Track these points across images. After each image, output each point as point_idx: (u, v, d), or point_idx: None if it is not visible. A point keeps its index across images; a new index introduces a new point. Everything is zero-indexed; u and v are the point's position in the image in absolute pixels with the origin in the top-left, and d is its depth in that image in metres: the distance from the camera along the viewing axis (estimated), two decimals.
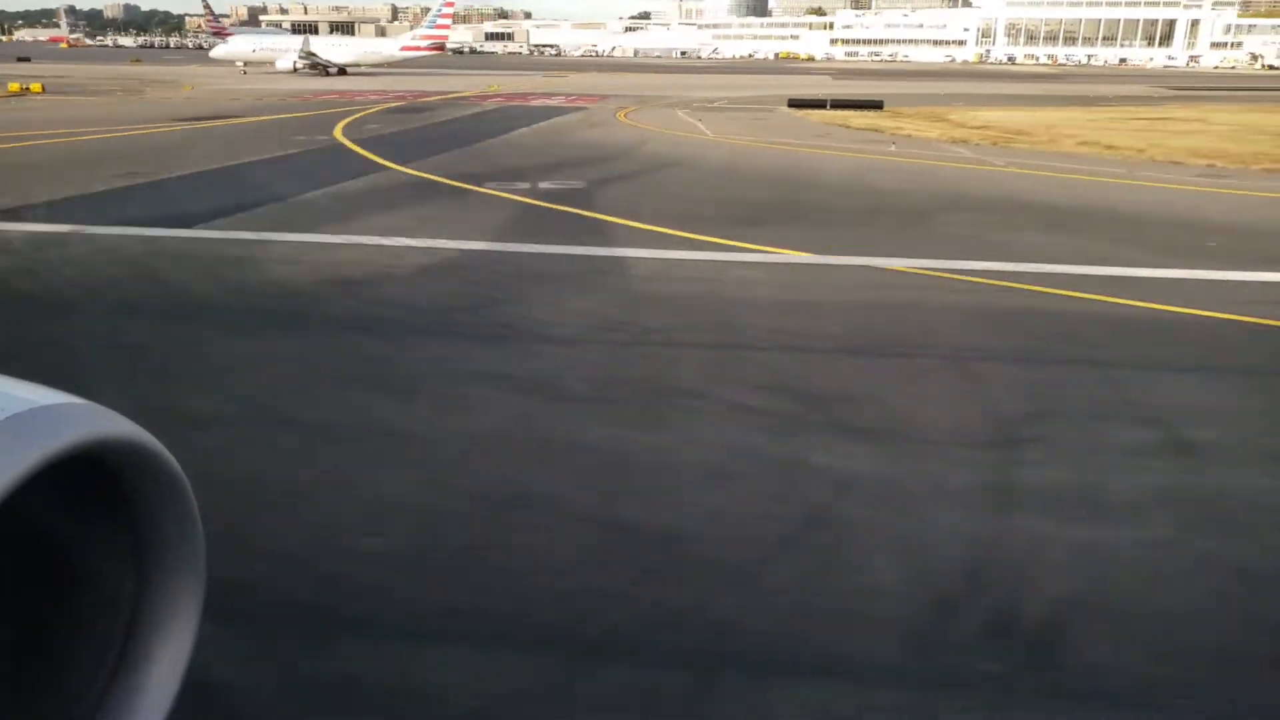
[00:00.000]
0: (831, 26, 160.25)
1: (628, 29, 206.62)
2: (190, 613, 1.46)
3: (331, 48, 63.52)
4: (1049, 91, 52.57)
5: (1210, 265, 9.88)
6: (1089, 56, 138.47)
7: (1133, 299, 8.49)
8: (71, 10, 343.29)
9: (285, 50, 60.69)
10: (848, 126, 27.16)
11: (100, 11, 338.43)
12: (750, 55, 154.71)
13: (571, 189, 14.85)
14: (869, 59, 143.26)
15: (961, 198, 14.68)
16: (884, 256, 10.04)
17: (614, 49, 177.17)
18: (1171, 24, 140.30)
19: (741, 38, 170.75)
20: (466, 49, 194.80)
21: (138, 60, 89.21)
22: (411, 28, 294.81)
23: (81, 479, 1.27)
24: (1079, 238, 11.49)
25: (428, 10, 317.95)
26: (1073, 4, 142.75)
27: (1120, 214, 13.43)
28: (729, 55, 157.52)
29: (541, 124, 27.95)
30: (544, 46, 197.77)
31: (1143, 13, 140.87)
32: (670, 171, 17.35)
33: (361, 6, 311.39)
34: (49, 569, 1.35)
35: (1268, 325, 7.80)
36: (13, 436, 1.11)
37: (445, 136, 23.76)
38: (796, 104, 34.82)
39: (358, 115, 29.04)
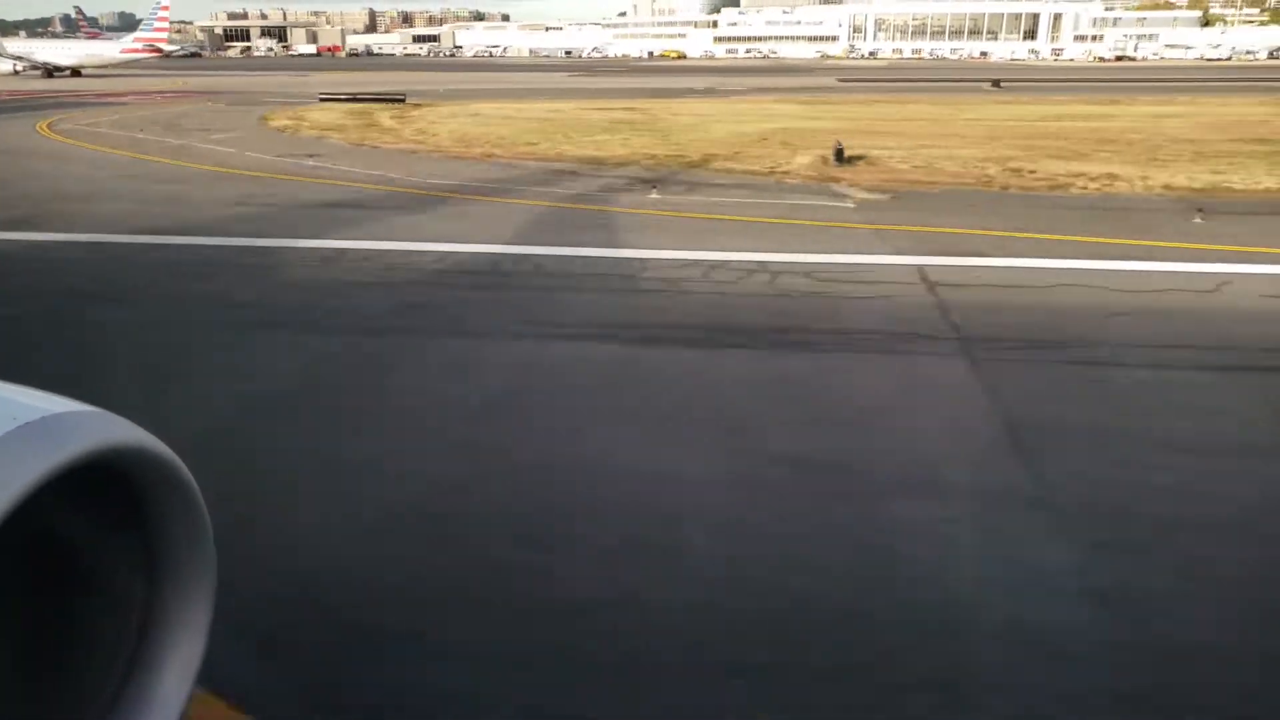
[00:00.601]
0: (716, 25, 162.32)
1: (549, 29, 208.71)
2: (201, 618, 1.47)
3: (55, 50, 65.99)
4: (763, 84, 54.18)
5: None
6: (953, 50, 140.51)
7: None
8: (67, 19, 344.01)
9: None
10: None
11: (96, 19, 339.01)
12: (643, 53, 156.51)
13: None
14: (744, 55, 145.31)
15: None
16: None
17: (505, 49, 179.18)
18: (1036, 18, 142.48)
19: (643, 36, 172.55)
20: (393, 50, 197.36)
21: None
22: (386, 32, 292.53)
23: (93, 486, 1.27)
24: None
25: (406, 15, 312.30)
26: None
27: None
28: (616, 54, 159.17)
29: None
30: (456, 48, 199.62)
31: (1007, 6, 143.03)
32: None
33: (339, 12, 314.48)
34: (60, 575, 1.36)
35: None
36: (25, 444, 1.11)
37: None
38: (327, 97, 36.67)
39: None
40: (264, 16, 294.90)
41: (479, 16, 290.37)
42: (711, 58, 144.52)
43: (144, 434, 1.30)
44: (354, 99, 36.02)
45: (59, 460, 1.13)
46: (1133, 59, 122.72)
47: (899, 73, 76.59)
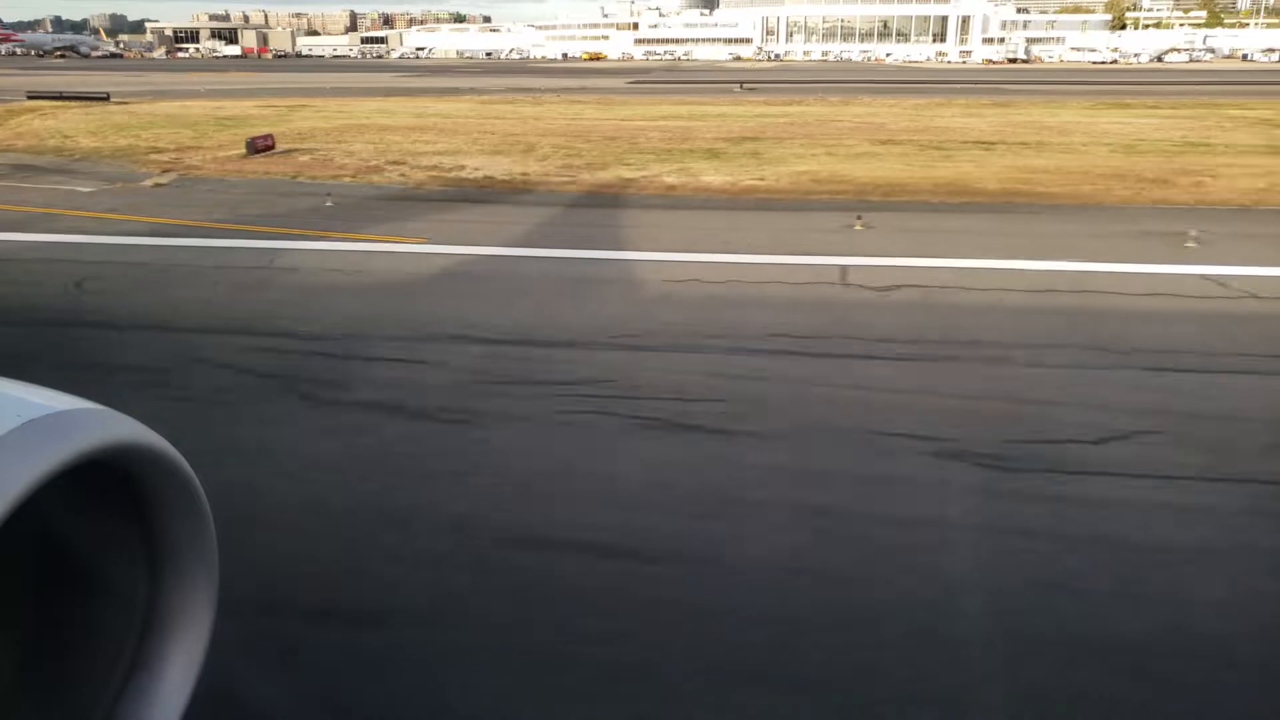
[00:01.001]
0: (636, 27, 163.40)
1: (495, 30, 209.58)
2: (204, 615, 1.47)
3: None
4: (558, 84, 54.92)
5: None
6: (862, 52, 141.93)
7: None
8: (58, 20, 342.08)
9: None
10: None
11: (86, 21, 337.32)
12: (558, 55, 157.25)
13: None
14: (663, 57, 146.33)
15: None
16: None
17: (429, 51, 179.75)
18: (944, 20, 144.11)
19: (571, 38, 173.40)
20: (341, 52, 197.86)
21: None
22: (354, 33, 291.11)
23: (97, 483, 1.27)
24: None
25: (386, 17, 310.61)
26: (848, 1, 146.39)
27: None
28: (537, 55, 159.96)
29: None
30: (412, 51, 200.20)
31: (915, 9, 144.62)
32: None
33: (321, 14, 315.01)
34: (65, 571, 1.37)
35: None
36: (30, 441, 1.12)
37: None
38: (35, 95, 37.16)
39: None
40: (246, 19, 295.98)
41: (459, 19, 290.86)
42: (630, 59, 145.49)
43: (149, 432, 1.30)
44: (59, 96, 36.59)
45: (64, 457, 1.12)
46: (1025, 61, 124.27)
47: (754, 75, 77.33)
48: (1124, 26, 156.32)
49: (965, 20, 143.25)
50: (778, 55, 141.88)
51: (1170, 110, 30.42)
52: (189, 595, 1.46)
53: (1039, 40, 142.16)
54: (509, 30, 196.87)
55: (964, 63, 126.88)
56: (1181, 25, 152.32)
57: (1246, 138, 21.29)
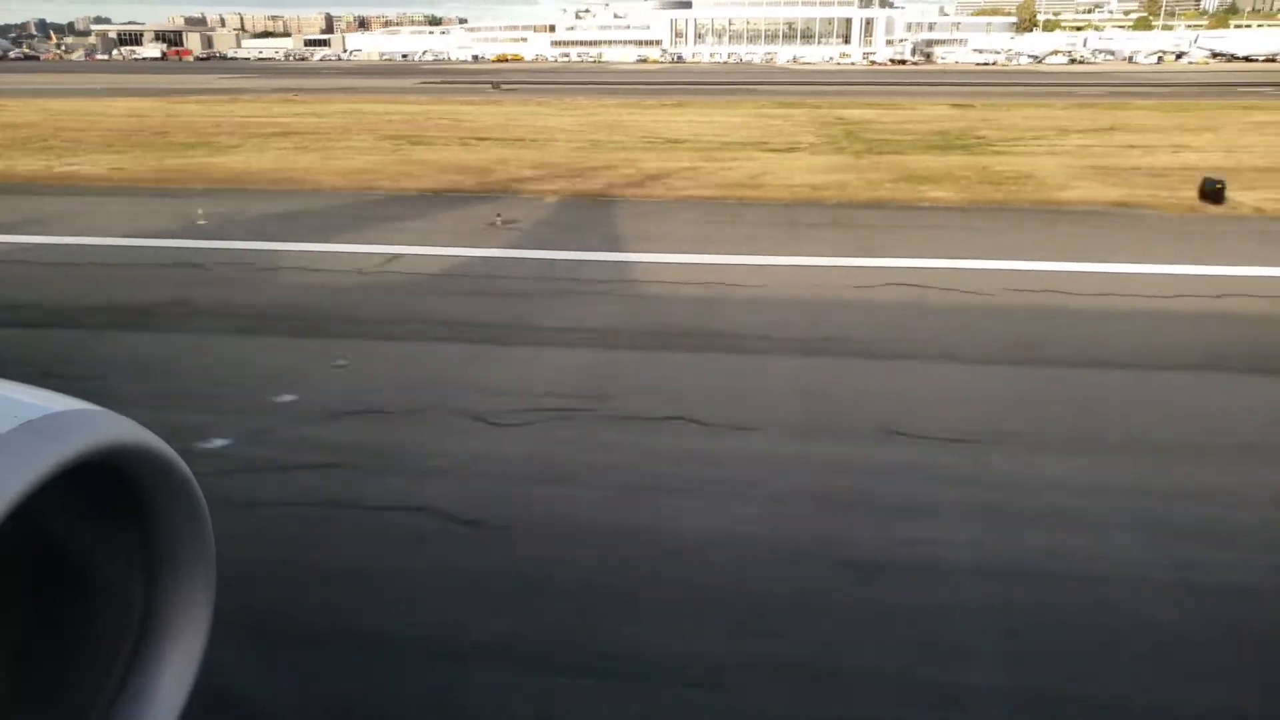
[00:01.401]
0: (554, 29, 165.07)
1: (430, 33, 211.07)
2: (201, 617, 1.49)
3: None
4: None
5: None
6: (765, 55, 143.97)
7: None
8: (42, 24, 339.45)
9: None
10: None
11: (72, 24, 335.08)
12: (468, 57, 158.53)
13: None
14: (575, 59, 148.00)
15: None
16: None
17: (353, 53, 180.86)
18: (849, 22, 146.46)
19: (495, 40, 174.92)
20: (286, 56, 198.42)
21: None
22: (345, 32, 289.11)
23: (94, 485, 1.29)
24: None
25: (362, 21, 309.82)
26: (754, 4, 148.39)
27: None
28: (455, 57, 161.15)
29: None
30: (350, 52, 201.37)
31: (819, 11, 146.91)
32: None
33: (297, 16, 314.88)
34: (62, 573, 1.37)
35: None
36: (27, 442, 1.12)
37: None
38: None
39: None
40: (222, 21, 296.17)
41: (435, 21, 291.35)
42: (539, 59, 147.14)
43: (146, 433, 1.31)
44: None
45: (60, 458, 1.13)
46: (914, 63, 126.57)
47: (582, 76, 78.51)
48: (1031, 29, 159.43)
49: (868, 23, 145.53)
50: (679, 57, 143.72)
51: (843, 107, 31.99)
52: (186, 597, 1.46)
53: (943, 42, 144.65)
54: (444, 33, 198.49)
55: (852, 64, 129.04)
56: (1103, 27, 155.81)
57: (811, 138, 22.36)
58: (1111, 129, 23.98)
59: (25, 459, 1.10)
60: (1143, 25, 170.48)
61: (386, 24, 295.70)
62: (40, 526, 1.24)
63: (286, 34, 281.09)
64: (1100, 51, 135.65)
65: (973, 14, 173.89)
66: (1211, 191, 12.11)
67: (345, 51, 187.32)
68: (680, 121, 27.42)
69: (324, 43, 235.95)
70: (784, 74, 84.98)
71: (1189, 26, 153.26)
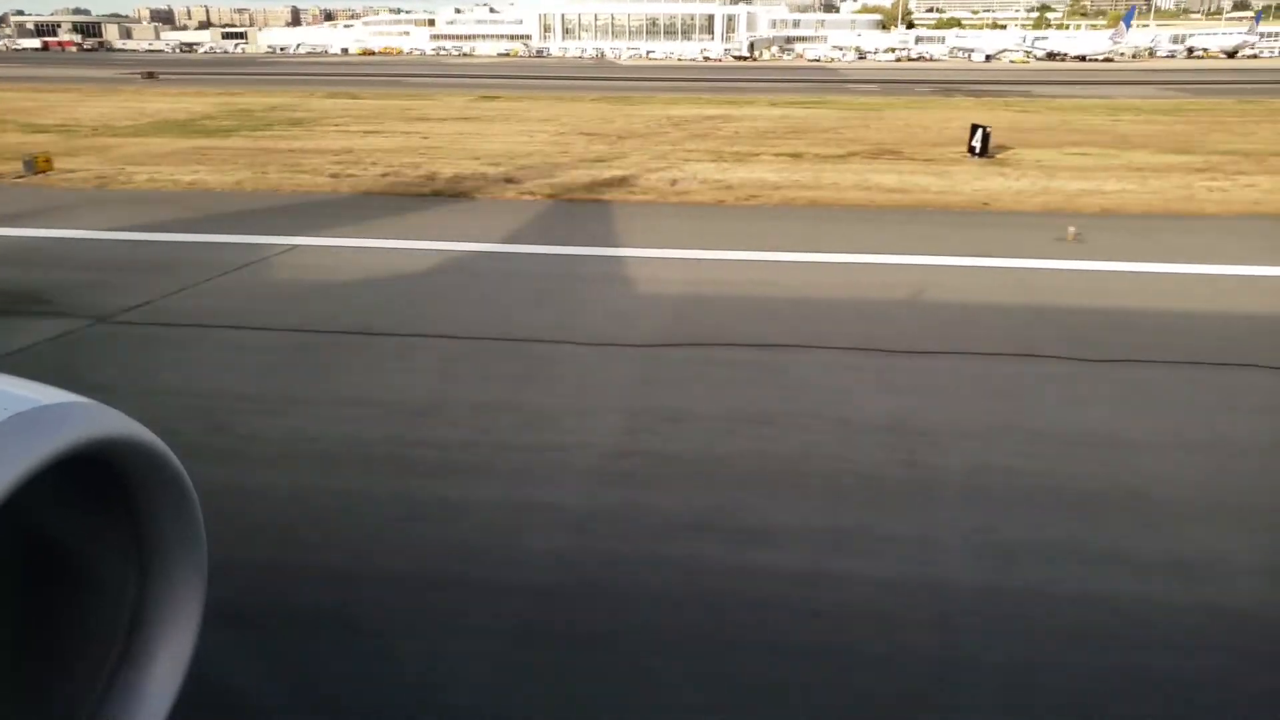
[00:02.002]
0: (433, 23, 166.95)
1: (346, 25, 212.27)
2: (192, 609, 1.49)
3: None
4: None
5: None
6: (629, 50, 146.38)
7: None
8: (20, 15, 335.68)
9: None
10: None
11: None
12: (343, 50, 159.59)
13: None
14: (442, 53, 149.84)
15: None
16: None
17: (239, 46, 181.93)
18: (712, 19, 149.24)
19: (384, 34, 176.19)
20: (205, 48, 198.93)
21: None
22: (311, 25, 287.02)
23: (85, 477, 1.28)
24: None
25: (329, 14, 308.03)
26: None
27: None
28: (335, 50, 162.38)
29: None
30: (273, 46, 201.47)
31: (682, 8, 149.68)
32: None
33: (264, 9, 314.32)
34: (53, 566, 1.37)
35: None
36: (17, 435, 1.11)
37: None
38: None
39: None
40: (189, 14, 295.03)
41: (396, 11, 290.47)
42: (421, 53, 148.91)
43: (137, 426, 1.31)
44: None
45: (51, 451, 1.12)
46: (754, 59, 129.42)
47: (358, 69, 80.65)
48: (908, 27, 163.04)
49: (730, 19, 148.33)
50: (539, 51, 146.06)
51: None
52: (177, 590, 1.46)
53: (806, 39, 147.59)
54: (348, 26, 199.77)
55: (709, 59, 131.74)
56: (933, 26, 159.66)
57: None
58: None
59: (15, 451, 1.08)
60: (1041, 24, 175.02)
61: (354, 17, 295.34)
62: (31, 520, 1.23)
63: (231, 26, 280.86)
64: (959, 49, 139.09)
65: (861, 10, 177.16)
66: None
67: (271, 46, 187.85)
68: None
69: (241, 35, 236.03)
70: (608, 69, 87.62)
71: (1092, 26, 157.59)
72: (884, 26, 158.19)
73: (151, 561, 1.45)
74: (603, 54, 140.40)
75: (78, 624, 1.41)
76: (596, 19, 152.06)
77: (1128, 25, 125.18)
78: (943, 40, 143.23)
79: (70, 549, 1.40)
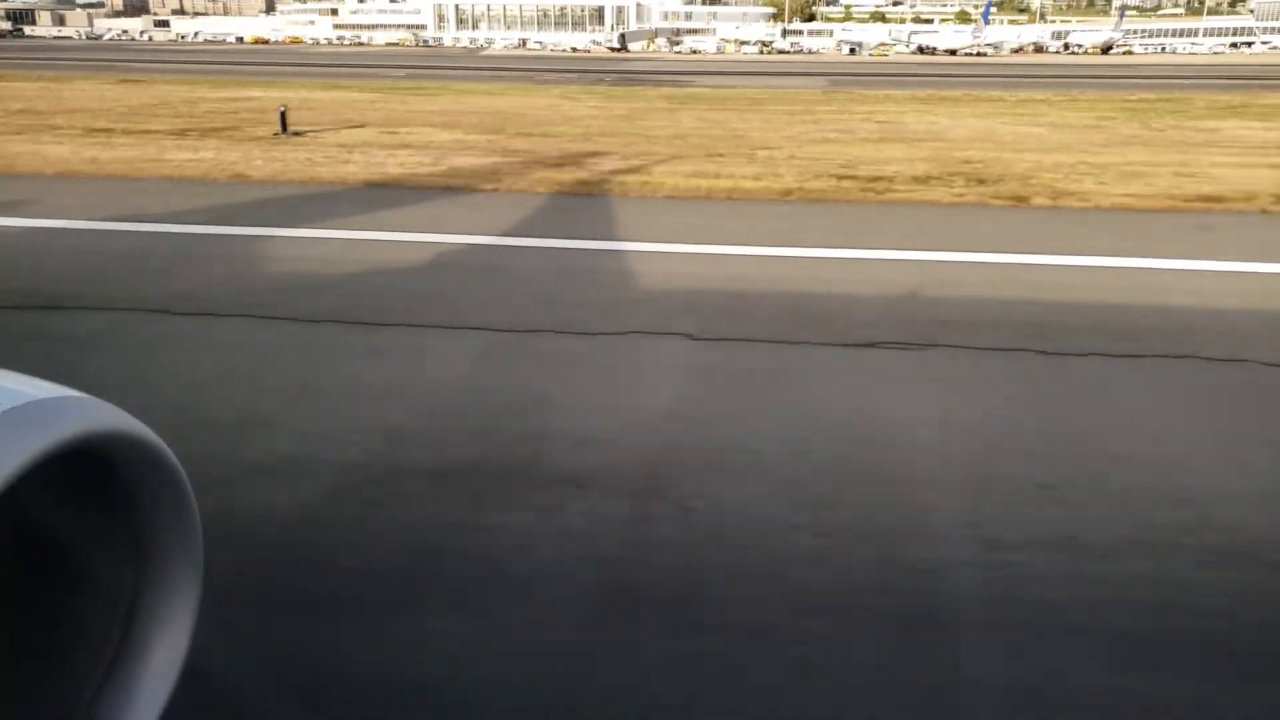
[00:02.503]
0: (336, 13, 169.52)
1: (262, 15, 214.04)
2: (188, 606, 1.49)
3: None
4: None
5: None
6: (520, 40, 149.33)
7: None
8: None
9: None
10: None
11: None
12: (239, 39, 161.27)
13: None
14: (335, 42, 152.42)
15: None
16: None
17: (145, 34, 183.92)
18: (602, 10, 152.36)
19: (298, 24, 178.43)
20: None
21: None
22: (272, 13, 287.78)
23: (79, 473, 1.28)
24: None
25: (302, 3, 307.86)
26: None
27: None
28: (232, 39, 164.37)
29: None
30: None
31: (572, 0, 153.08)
32: None
33: (238, 2, 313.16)
34: (47, 562, 1.39)
35: None
36: (10, 430, 1.11)
37: None
38: None
39: None
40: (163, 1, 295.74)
41: None
42: (317, 42, 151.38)
43: (132, 420, 1.31)
44: None
45: (44, 445, 1.12)
46: (628, 51, 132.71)
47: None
48: (809, 20, 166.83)
49: (619, 11, 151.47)
50: (426, 41, 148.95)
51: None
52: (173, 586, 1.47)
53: (695, 31, 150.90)
54: (269, 15, 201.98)
55: (588, 52, 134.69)
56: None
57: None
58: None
59: (8, 446, 1.08)
60: (962, 18, 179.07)
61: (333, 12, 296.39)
62: (24, 516, 1.24)
63: (203, 15, 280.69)
64: (844, 43, 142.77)
65: (761, 3, 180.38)
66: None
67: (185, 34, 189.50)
68: None
69: (165, 24, 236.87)
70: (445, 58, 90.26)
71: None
72: (775, 19, 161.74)
73: (147, 557, 1.45)
74: (477, 44, 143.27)
75: (72, 620, 1.42)
76: (489, 10, 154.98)
77: (986, 21, 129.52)
78: (831, 34, 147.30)
79: (64, 545, 1.41)
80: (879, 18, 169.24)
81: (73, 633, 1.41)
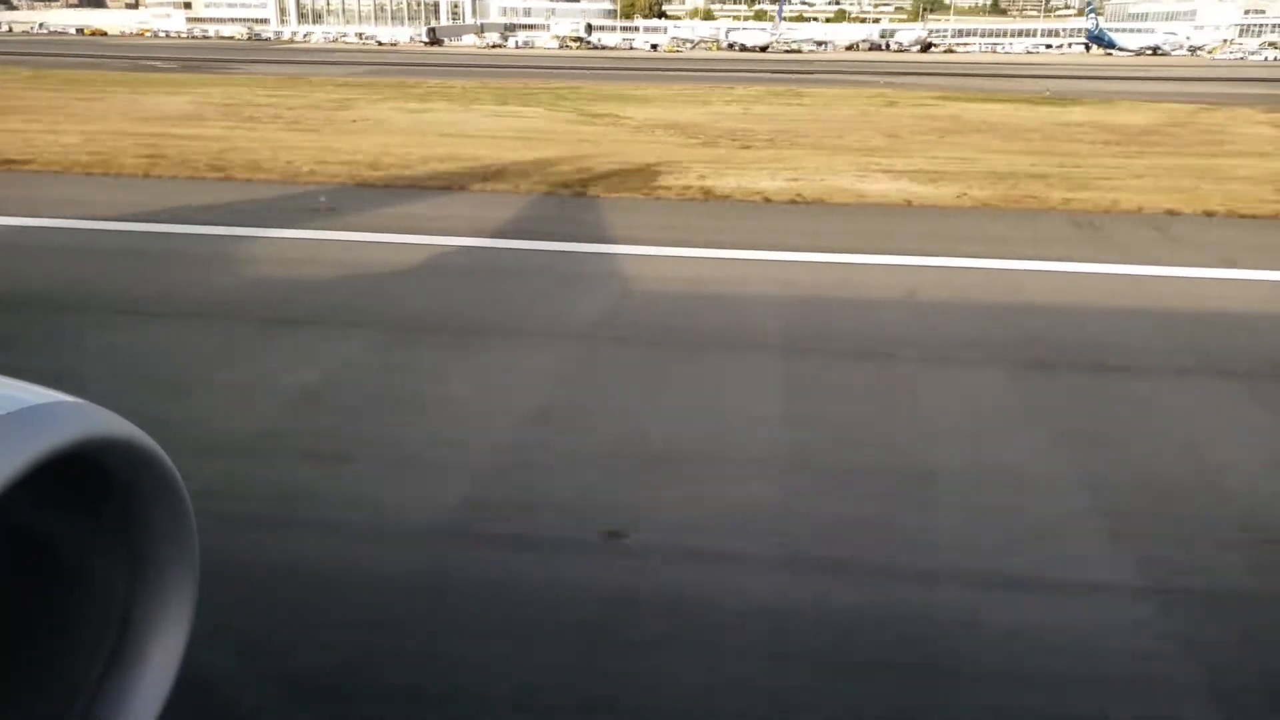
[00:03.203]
0: (190, 6, 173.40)
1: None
2: (184, 610, 1.50)
3: None
4: None
5: None
6: (358, 34, 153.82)
7: None
8: None
9: None
10: None
11: None
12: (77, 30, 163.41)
13: None
14: (201, 35, 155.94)
15: None
16: None
17: (41, 25, 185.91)
18: (437, 6, 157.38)
19: (166, 16, 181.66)
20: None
21: None
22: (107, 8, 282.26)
23: (76, 478, 1.29)
24: None
25: None
26: None
27: None
28: (74, 30, 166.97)
29: None
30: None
31: None
32: None
33: None
34: (44, 567, 1.40)
35: None
36: (6, 435, 1.12)
37: None
38: None
39: None
40: None
41: None
42: (168, 35, 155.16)
43: (128, 426, 1.31)
44: None
45: (40, 451, 1.13)
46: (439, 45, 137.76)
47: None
48: (660, 17, 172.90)
49: (455, 6, 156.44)
50: (259, 35, 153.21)
51: None
52: (169, 591, 1.48)
53: (530, 27, 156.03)
54: (133, 7, 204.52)
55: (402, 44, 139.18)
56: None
57: None
58: None
59: (5, 452, 1.09)
60: (840, 17, 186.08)
61: None
62: (19, 520, 1.24)
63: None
64: (675, 38, 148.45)
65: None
66: None
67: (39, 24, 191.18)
68: None
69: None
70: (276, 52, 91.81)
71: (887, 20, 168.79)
72: (615, 15, 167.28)
73: (143, 563, 1.46)
74: (296, 37, 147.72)
75: (68, 624, 1.42)
76: (329, 4, 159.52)
77: (780, 17, 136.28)
78: (665, 30, 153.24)
79: (60, 549, 1.41)
80: (708, 15, 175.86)
81: (69, 637, 1.42)
